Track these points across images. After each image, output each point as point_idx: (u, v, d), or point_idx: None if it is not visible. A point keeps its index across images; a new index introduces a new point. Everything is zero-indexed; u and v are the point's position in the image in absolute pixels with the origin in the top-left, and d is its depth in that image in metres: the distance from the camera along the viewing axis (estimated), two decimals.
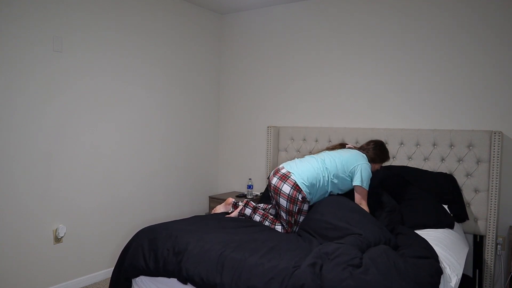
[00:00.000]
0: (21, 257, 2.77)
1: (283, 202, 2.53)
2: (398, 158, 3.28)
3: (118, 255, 3.34)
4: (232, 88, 4.36)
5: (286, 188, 2.51)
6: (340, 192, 2.70)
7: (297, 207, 2.51)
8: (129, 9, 3.41)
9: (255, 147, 4.21)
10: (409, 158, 3.23)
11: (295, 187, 2.50)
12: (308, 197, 2.54)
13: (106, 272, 3.34)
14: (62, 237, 2.99)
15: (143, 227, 2.96)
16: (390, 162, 3.30)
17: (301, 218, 2.56)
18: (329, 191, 2.65)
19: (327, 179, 2.59)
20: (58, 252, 2.99)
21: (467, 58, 3.07)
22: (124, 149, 3.45)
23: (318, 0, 3.76)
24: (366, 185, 2.61)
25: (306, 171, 2.56)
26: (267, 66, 4.10)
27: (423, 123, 3.26)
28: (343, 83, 3.63)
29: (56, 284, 2.99)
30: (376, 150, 2.81)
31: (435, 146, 3.13)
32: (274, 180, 2.58)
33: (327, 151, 2.80)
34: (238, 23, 4.28)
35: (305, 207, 2.55)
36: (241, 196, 3.97)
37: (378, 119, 3.47)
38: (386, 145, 3.31)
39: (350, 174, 2.65)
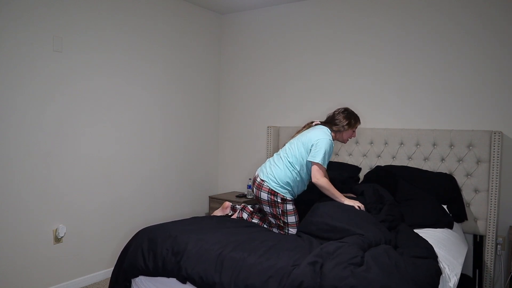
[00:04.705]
0: (21, 257, 2.78)
1: (266, 208, 2.65)
2: (398, 158, 3.27)
3: (118, 255, 3.34)
4: (232, 88, 4.36)
5: (264, 196, 2.61)
6: None
7: (279, 209, 2.59)
8: (129, 9, 3.41)
9: (255, 147, 4.21)
10: (409, 158, 3.23)
11: (271, 192, 2.59)
12: (289, 196, 2.60)
13: (106, 272, 3.34)
14: (62, 237, 3.00)
15: (143, 228, 2.97)
16: (390, 162, 3.30)
17: (290, 219, 2.58)
18: (305, 179, 2.68)
19: (296, 171, 2.61)
20: (58, 252, 3.00)
21: (467, 58, 3.07)
22: (124, 149, 3.45)
23: (318, 0, 3.76)
24: (320, 160, 2.52)
25: (275, 174, 2.61)
26: (267, 66, 4.10)
27: (423, 123, 3.26)
28: (343, 83, 3.63)
29: (56, 284, 3.00)
30: (343, 117, 2.71)
31: (435, 146, 3.12)
32: (255, 190, 2.69)
33: (292, 139, 2.76)
34: (238, 23, 4.28)
35: (289, 207, 2.58)
36: (241, 196, 3.97)
37: (378, 119, 3.47)
38: (386, 145, 3.31)
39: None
